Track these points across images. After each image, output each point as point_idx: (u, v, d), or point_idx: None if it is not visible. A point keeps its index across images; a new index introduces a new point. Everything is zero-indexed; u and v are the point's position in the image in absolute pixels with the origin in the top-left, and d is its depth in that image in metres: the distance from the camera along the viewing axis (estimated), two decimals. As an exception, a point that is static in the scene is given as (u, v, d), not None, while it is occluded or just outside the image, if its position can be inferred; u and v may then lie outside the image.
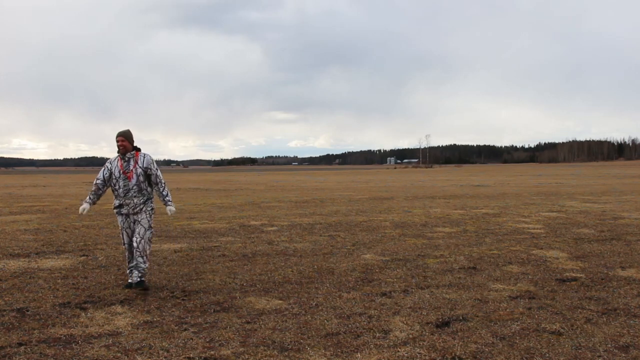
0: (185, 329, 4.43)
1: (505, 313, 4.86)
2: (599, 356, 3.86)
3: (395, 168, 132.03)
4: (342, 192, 24.28)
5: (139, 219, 5.82)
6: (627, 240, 9.09)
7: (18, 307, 5.09)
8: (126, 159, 5.83)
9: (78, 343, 4.13)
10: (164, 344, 4.10)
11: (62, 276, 6.41)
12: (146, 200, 5.86)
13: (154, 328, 4.46)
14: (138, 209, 5.82)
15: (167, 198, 5.96)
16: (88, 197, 5.85)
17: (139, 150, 5.92)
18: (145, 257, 5.76)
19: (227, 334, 4.33)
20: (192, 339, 4.22)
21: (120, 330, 4.44)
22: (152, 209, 5.89)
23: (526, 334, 4.32)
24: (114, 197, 5.93)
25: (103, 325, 4.55)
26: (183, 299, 5.37)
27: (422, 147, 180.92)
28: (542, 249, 8.27)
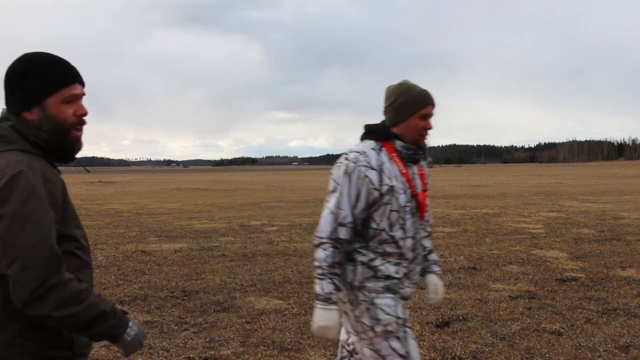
0: (185, 329, 4.43)
1: (505, 313, 4.86)
2: (599, 356, 3.86)
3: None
4: (342, 192, 24.24)
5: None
6: (627, 240, 9.08)
7: (18, 307, 5.08)
8: (412, 163, 2.44)
9: (78, 343, 4.12)
10: (164, 344, 4.10)
11: (62, 276, 6.40)
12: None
13: (154, 328, 4.46)
14: (414, 282, 2.47)
15: (435, 258, 2.75)
16: (326, 284, 2.18)
17: None
18: None
19: (227, 334, 4.33)
20: (192, 339, 4.21)
21: (120, 330, 4.44)
22: None
23: (526, 334, 4.31)
24: (373, 254, 2.30)
25: (103, 325, 4.54)
26: (183, 299, 5.37)
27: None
28: (542, 249, 8.27)
